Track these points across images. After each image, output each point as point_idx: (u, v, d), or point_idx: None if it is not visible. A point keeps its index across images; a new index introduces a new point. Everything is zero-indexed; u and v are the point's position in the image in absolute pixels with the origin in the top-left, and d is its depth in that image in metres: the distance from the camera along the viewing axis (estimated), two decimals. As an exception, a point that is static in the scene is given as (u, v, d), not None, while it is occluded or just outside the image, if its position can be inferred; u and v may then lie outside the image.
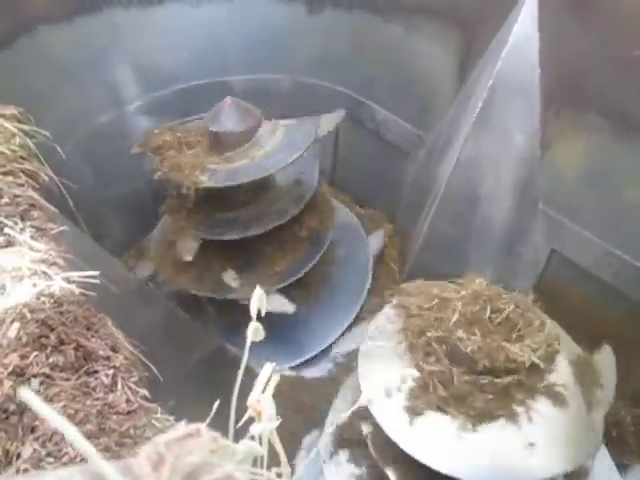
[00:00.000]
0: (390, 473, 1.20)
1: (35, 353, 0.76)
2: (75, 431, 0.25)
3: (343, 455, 1.36)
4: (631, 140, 1.48)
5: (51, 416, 0.25)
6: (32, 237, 0.93)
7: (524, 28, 1.55)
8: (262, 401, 0.53)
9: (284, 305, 1.90)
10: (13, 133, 1.12)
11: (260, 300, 0.68)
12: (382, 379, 1.21)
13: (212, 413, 0.50)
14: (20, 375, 0.74)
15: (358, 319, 2.06)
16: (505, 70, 1.60)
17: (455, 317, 1.19)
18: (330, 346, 2.01)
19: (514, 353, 1.13)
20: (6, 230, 0.92)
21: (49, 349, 0.77)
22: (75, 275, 0.88)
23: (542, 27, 1.53)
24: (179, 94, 2.21)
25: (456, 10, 1.83)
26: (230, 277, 1.89)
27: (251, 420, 0.54)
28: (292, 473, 0.60)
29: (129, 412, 0.78)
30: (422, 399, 1.16)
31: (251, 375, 0.56)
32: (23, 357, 0.75)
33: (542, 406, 1.15)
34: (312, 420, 1.73)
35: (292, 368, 1.93)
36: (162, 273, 1.95)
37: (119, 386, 0.80)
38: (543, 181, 1.71)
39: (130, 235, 2.33)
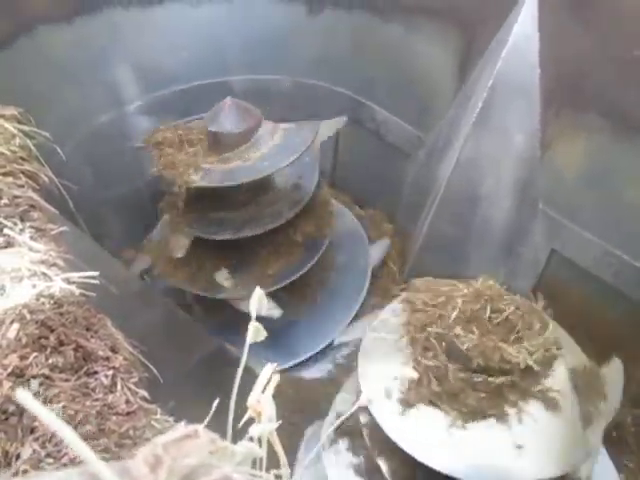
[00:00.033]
0: (382, 463, 1.22)
1: (35, 354, 0.76)
2: (72, 433, 0.25)
3: (343, 444, 1.38)
4: (631, 140, 1.48)
5: (48, 418, 0.25)
6: (32, 238, 0.93)
7: (524, 28, 1.55)
8: (262, 402, 0.53)
9: (270, 309, 1.90)
10: (13, 134, 1.12)
11: (260, 301, 0.67)
12: (381, 371, 1.23)
13: (210, 414, 0.50)
14: (20, 376, 0.73)
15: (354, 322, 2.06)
16: (505, 70, 1.60)
17: (455, 314, 1.20)
18: (324, 349, 2.01)
19: (509, 354, 1.13)
20: (6, 231, 0.92)
21: (49, 350, 0.77)
22: (75, 276, 0.88)
23: (542, 27, 1.53)
24: (179, 94, 2.21)
25: (456, 10, 1.83)
26: (223, 277, 1.90)
27: (252, 421, 0.54)
28: (292, 474, 0.60)
29: (129, 413, 0.78)
30: (416, 392, 1.18)
31: (252, 375, 0.56)
32: (23, 358, 0.75)
33: (534, 409, 1.15)
34: (314, 414, 1.74)
35: (285, 370, 1.93)
36: (158, 267, 1.97)
37: (119, 387, 0.80)
38: (543, 181, 1.70)
39: (130, 235, 2.33)
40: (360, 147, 2.34)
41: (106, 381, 0.79)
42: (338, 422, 1.35)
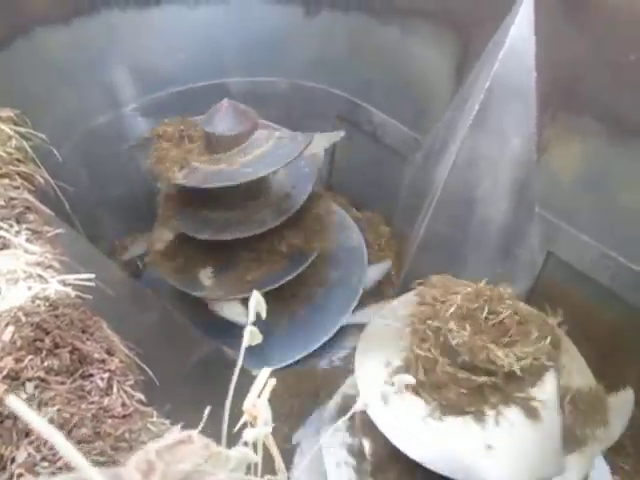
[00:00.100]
0: (366, 443, 1.27)
1: (30, 357, 0.75)
2: (63, 439, 0.25)
3: (343, 424, 1.41)
4: (626, 144, 1.48)
5: (39, 424, 0.25)
6: (27, 240, 0.92)
7: (521, 30, 1.55)
8: (258, 406, 0.53)
9: (239, 315, 1.90)
10: (9, 135, 1.12)
11: (259, 304, 0.67)
12: (377, 355, 1.28)
13: (204, 419, 0.49)
14: (15, 379, 0.73)
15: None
16: (502, 72, 1.60)
17: (452, 309, 1.22)
18: (324, 348, 2.01)
19: (496, 355, 1.14)
20: (1, 233, 0.92)
21: (44, 352, 0.77)
22: (71, 278, 0.88)
23: (538, 30, 1.54)
24: (176, 96, 2.21)
25: (452, 13, 1.83)
26: (206, 275, 1.91)
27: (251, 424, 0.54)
28: (289, 478, 0.60)
29: (124, 416, 0.77)
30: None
31: (248, 378, 0.56)
32: (18, 361, 0.74)
33: (513, 415, 1.16)
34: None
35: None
36: (150, 255, 1.99)
37: (114, 389, 0.79)
38: (539, 184, 1.71)
39: (126, 236, 2.33)
40: (357, 149, 2.34)
41: (102, 384, 0.79)
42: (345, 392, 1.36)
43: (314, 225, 1.98)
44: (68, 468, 0.66)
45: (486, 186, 1.76)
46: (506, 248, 1.85)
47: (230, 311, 1.90)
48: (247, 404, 0.53)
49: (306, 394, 1.86)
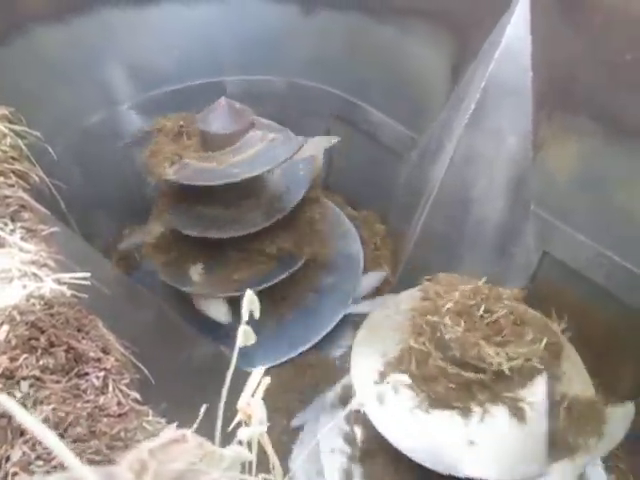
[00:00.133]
0: (357, 431, 1.33)
1: (25, 355, 0.75)
2: (56, 439, 0.25)
3: (343, 412, 1.42)
4: (621, 144, 1.48)
5: (31, 423, 0.25)
6: (22, 238, 0.92)
7: (517, 30, 1.56)
8: (252, 404, 0.53)
9: (220, 314, 1.90)
10: (4, 133, 1.11)
11: (252, 303, 0.67)
12: (374, 344, 1.32)
13: (199, 418, 0.49)
14: (10, 378, 0.73)
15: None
16: (498, 72, 1.60)
17: (449, 305, 1.23)
18: (322, 348, 2.00)
19: (487, 353, 1.15)
20: (-4, 231, 0.91)
21: (39, 351, 0.77)
22: (66, 276, 0.88)
23: (534, 30, 1.54)
24: (172, 94, 2.21)
25: (449, 12, 1.84)
26: (196, 271, 1.90)
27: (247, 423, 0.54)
28: (285, 474, 0.60)
29: (120, 415, 0.77)
30: (394, 368, 1.24)
31: (245, 377, 0.56)
32: (13, 359, 0.74)
33: (499, 414, 1.18)
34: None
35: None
36: (146, 246, 1.99)
37: (110, 388, 0.79)
38: (535, 183, 1.71)
39: (121, 235, 2.32)
40: (353, 148, 2.34)
41: (97, 382, 0.78)
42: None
43: (306, 229, 1.96)
44: (63, 467, 0.66)
45: (482, 185, 1.77)
46: (502, 247, 1.85)
47: (216, 310, 1.90)
48: (241, 403, 0.52)
49: (307, 386, 1.88)
